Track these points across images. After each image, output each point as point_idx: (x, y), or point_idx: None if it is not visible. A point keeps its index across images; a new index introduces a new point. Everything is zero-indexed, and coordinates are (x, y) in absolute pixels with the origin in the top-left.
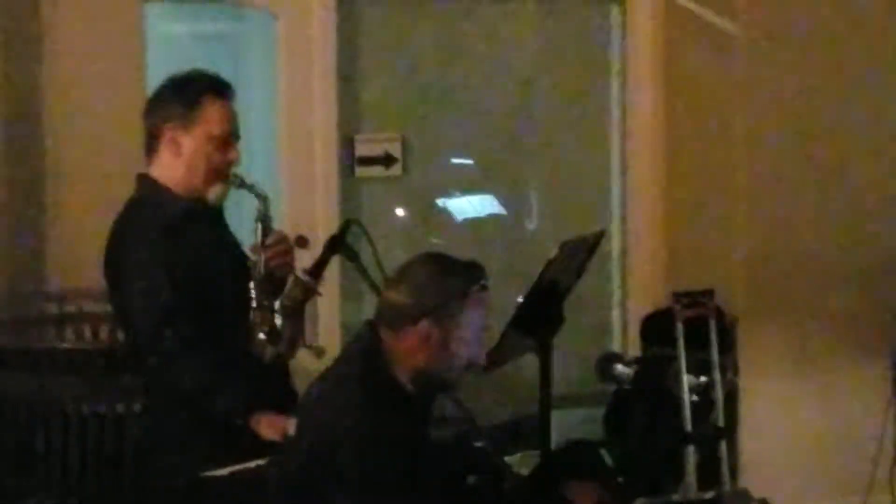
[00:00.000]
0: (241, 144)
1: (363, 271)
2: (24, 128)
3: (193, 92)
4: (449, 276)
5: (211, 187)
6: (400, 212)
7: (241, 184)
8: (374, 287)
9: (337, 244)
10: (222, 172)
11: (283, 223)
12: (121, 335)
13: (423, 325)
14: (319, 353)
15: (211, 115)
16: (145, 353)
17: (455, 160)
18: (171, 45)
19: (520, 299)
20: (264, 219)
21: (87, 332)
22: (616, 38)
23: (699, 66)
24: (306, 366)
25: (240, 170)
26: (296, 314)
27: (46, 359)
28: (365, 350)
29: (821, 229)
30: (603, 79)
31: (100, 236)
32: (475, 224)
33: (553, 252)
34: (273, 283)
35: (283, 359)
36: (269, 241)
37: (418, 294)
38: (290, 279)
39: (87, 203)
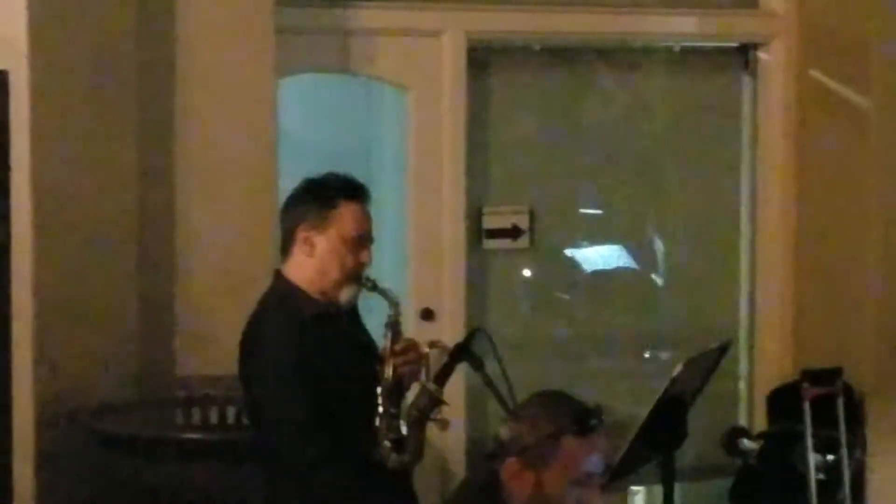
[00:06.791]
0: (372, 211)
1: (488, 381)
2: (158, 208)
3: (329, 194)
4: (548, 417)
5: (342, 289)
6: (526, 272)
7: (374, 287)
8: (498, 397)
9: (462, 352)
10: (354, 274)
11: (409, 294)
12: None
13: (512, 462)
14: (444, 426)
15: (345, 217)
16: (286, 461)
17: (584, 210)
18: (303, 118)
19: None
20: (394, 324)
21: (214, 416)
22: (748, 106)
23: (832, 138)
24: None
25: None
26: (421, 422)
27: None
28: (477, 478)
29: None
30: (734, 143)
31: (228, 322)
32: (602, 276)
33: (678, 368)
34: (399, 391)
35: (407, 466)
36: (399, 347)
37: (516, 432)
38: (417, 387)
39: (216, 285)
